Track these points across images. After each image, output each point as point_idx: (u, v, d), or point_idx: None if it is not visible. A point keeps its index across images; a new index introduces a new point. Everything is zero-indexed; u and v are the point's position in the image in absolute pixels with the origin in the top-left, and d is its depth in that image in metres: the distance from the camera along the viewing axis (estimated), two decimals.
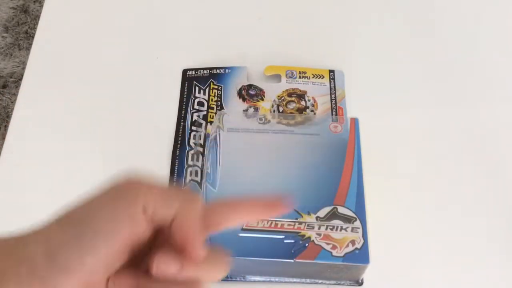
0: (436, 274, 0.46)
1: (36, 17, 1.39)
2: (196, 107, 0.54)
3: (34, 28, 1.35)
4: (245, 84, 0.55)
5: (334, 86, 0.56)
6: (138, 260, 0.25)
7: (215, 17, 0.62)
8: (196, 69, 0.57)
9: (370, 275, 0.45)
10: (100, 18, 0.62)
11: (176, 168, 0.50)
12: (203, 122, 0.53)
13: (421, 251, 0.47)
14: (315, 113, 0.54)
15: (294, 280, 0.45)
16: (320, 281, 0.45)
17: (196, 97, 0.55)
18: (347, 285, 0.45)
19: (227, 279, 0.45)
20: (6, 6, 1.42)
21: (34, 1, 1.43)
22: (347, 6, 0.63)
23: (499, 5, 0.64)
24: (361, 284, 0.45)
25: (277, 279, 0.45)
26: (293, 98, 0.55)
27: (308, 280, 0.45)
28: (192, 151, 0.51)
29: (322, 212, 0.44)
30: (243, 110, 0.54)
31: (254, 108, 0.54)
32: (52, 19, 0.62)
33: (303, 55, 0.58)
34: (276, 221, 0.43)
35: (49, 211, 0.48)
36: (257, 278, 0.46)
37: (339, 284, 0.45)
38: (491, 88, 0.57)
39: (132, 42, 0.60)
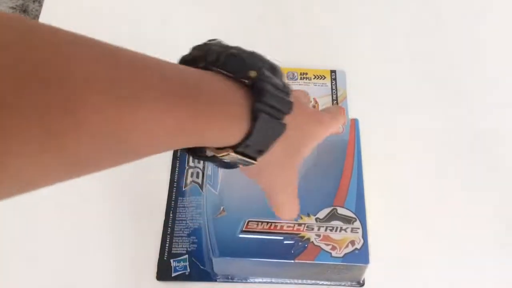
0: (438, 273, 0.46)
1: (35, 17, 1.39)
2: None
3: None
4: None
5: (336, 87, 0.55)
6: None
7: (216, 18, 0.62)
8: None
9: (371, 275, 0.45)
10: (99, 18, 0.62)
11: (177, 169, 0.50)
12: None
13: (422, 251, 0.47)
14: None
15: (296, 281, 0.45)
16: (321, 282, 0.45)
17: None
18: (349, 285, 0.45)
19: (228, 280, 0.45)
20: (5, 6, 1.42)
21: (34, 1, 1.43)
22: (348, 6, 0.63)
23: (500, 6, 0.64)
24: (362, 284, 0.45)
25: (279, 280, 0.45)
26: None
27: (309, 281, 0.45)
28: None
29: (322, 214, 0.44)
30: None
31: None
32: (51, 19, 0.62)
33: (305, 56, 0.58)
34: (275, 222, 0.43)
35: (51, 207, 0.48)
36: (259, 279, 0.46)
37: (340, 285, 0.45)
38: (492, 88, 0.57)
39: (132, 42, 0.59)
